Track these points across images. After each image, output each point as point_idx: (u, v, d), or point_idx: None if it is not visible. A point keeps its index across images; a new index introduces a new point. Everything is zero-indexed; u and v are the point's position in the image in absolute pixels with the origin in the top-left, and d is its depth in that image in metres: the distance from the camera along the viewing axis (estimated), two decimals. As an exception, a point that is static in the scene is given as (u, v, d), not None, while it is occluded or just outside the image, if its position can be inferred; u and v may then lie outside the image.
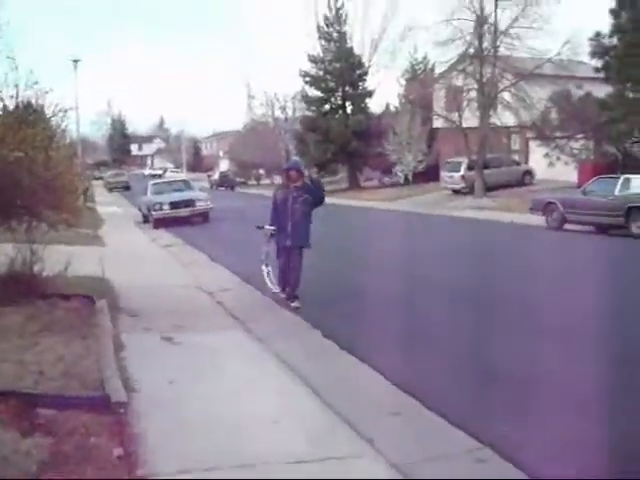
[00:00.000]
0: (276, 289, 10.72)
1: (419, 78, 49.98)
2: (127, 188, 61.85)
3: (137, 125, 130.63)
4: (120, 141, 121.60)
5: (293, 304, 10.16)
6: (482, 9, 34.56)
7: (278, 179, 70.07)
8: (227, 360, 7.42)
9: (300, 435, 5.32)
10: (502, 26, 34.68)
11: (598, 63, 31.66)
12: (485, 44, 35.06)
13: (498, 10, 34.54)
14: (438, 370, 7.28)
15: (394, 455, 5.04)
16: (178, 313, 9.80)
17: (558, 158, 32.70)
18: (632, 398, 6.21)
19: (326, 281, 12.38)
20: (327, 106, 52.45)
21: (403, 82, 54.02)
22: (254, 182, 69.81)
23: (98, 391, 5.84)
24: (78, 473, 4.30)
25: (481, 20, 34.72)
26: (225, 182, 64.26)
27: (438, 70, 41.46)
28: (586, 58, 32.85)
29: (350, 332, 8.64)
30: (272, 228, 10.63)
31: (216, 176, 67.44)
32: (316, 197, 10.54)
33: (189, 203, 26.84)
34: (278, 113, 66.17)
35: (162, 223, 25.68)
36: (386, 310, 10.06)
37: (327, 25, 51.68)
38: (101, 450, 4.69)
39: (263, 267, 11.07)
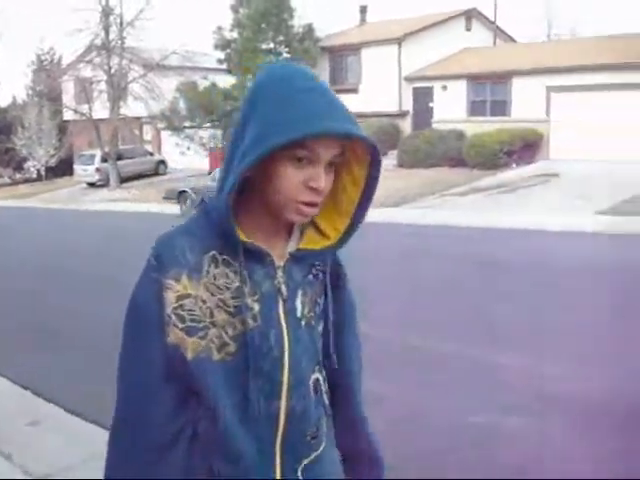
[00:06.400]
0: None
1: (46, 69, 48.21)
2: None
3: None
4: None
5: None
6: (107, 0, 34.46)
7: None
8: None
9: None
10: (128, 17, 34.96)
11: (221, 55, 33.41)
12: (112, 35, 35.00)
13: (124, 1, 34.76)
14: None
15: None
16: None
17: (188, 148, 33.81)
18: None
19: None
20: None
21: (30, 74, 51.68)
22: None
23: None
24: None
25: (107, 11, 34.60)
26: None
27: (66, 61, 40.52)
28: (210, 50, 34.47)
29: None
30: None
31: None
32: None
33: None
34: None
35: None
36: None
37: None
38: None
39: None
